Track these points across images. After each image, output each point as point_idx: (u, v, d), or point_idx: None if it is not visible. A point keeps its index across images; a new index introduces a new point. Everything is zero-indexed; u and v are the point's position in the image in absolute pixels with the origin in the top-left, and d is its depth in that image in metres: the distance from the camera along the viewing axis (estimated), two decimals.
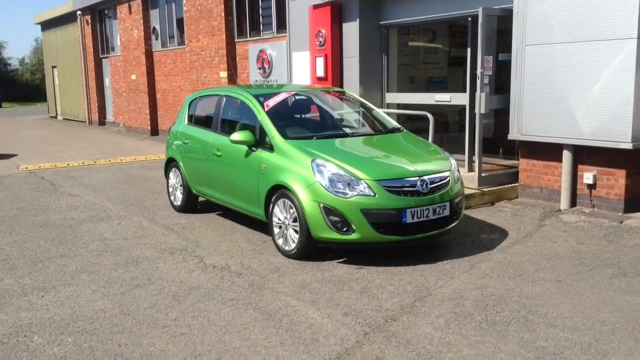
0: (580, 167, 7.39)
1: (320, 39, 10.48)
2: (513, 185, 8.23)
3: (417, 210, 5.41)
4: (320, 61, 10.58)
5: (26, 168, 12.40)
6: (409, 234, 5.47)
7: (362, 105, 7.33)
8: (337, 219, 5.36)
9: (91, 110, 24.12)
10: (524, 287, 4.90)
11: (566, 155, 7.41)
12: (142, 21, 18.53)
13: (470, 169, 8.92)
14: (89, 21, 22.80)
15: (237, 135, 6.23)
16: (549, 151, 7.65)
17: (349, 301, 4.65)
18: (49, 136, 19.86)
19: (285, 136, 6.06)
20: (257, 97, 6.59)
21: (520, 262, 5.51)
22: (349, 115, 7.37)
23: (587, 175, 7.26)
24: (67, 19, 24.74)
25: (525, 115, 7.69)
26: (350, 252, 5.73)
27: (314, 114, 7.19)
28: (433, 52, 12.64)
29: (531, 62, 7.56)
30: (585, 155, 7.31)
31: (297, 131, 6.36)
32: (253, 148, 6.23)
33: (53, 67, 28.44)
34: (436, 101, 9.40)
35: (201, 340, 4.02)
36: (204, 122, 7.48)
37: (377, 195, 5.34)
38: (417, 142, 6.56)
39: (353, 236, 5.36)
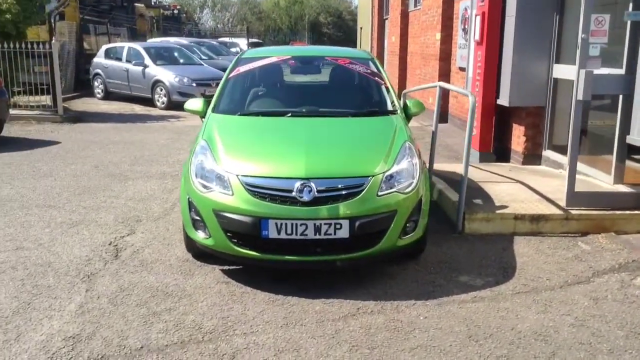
0: None
1: None
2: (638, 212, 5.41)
3: (286, 224, 3.90)
4: (478, 21, 8.53)
5: None
6: (272, 253, 4.01)
7: (375, 78, 5.55)
8: (197, 217, 4.23)
9: None
10: None
11: None
12: None
13: (619, 180, 6.20)
14: None
15: (189, 103, 5.39)
16: None
17: (114, 323, 3.65)
18: None
19: (216, 108, 5.02)
20: (241, 60, 5.60)
21: (423, 329, 3.57)
22: (337, 89, 5.67)
23: None
24: None
25: None
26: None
27: (293, 85, 5.80)
28: None
29: None
30: None
31: (238, 105, 5.19)
32: (203, 119, 5.35)
33: (360, 28, 29.73)
34: None
35: None
36: None
37: (234, 195, 4.02)
38: (380, 131, 4.69)
39: (209, 242, 4.18)
